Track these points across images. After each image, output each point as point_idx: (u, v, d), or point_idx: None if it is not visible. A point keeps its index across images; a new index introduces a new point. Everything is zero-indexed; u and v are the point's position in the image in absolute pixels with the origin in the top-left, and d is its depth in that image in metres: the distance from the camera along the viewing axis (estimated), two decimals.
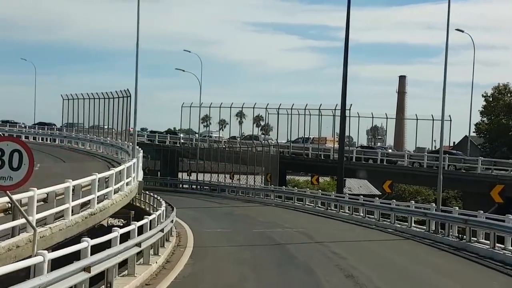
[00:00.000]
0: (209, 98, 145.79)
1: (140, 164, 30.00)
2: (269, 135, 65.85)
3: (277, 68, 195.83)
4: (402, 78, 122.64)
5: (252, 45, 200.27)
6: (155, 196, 31.82)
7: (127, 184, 22.81)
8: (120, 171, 21.17)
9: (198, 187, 57.80)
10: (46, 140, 57.26)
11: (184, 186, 60.27)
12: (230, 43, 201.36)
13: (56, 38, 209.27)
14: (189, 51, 66.00)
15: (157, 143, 67.37)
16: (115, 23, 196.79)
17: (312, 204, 38.81)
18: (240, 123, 76.52)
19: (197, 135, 65.75)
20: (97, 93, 49.10)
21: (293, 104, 55.93)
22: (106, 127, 46.89)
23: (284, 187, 45.39)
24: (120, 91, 41.92)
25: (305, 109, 54.67)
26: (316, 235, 24.78)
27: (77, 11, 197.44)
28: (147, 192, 34.68)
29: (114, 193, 19.54)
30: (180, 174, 63.94)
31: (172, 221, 20.74)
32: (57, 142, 56.21)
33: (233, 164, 55.66)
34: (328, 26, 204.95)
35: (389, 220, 29.05)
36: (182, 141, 65.79)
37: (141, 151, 33.79)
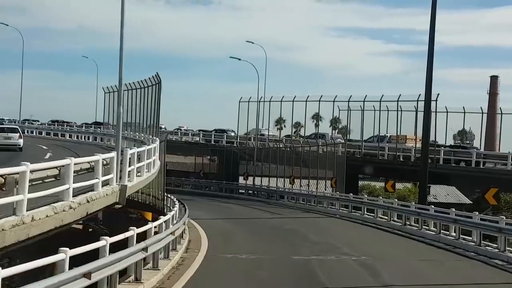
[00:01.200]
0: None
1: (148, 160, 22.02)
2: (339, 133, 56.99)
3: (361, 73, 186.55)
4: (493, 79, 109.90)
5: (336, 50, 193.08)
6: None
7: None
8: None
9: (255, 193, 49.94)
10: (85, 138, 51.35)
11: (240, 191, 52.61)
12: (313, 48, 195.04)
13: (143, 45, 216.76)
14: (252, 42, 58.86)
15: (213, 143, 60.11)
16: (198, 30, 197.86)
17: (386, 217, 29.99)
18: (298, 126, 67.54)
19: (253, 134, 57.75)
20: (133, 82, 42.11)
21: (366, 96, 47.00)
22: (138, 121, 39.65)
23: (351, 194, 36.61)
24: (149, 78, 34.55)
25: (380, 101, 45.45)
26: (386, 270, 16.21)
27: (162, 19, 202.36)
28: (169, 196, 31.28)
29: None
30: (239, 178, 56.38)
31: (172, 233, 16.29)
32: (96, 140, 49.91)
33: (293, 167, 47.36)
34: (413, 30, 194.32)
35: (496, 245, 20.01)
36: (239, 140, 58.06)
37: (157, 140, 26.28)
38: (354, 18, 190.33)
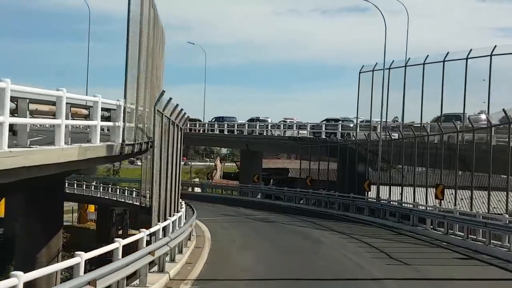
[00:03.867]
0: None
1: None
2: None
3: None
4: None
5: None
6: None
7: None
8: None
9: (382, 211, 31.68)
10: None
11: (358, 205, 34.58)
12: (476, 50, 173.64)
13: (296, 56, 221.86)
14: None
15: (323, 137, 42.41)
16: (354, 37, 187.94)
17: None
18: None
19: (375, 121, 38.26)
20: None
21: None
22: None
23: None
24: None
25: None
26: None
27: (318, 29, 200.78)
28: None
29: None
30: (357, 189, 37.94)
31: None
32: None
33: (442, 171, 28.25)
34: None
35: None
36: (359, 131, 39.59)
37: None
38: None
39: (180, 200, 27.20)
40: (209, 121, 59.69)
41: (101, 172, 70.07)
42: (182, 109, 21.71)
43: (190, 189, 55.04)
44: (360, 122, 41.09)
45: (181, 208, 23.64)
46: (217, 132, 56.13)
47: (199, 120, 61.81)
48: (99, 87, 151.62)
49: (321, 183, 42.61)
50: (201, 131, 58.75)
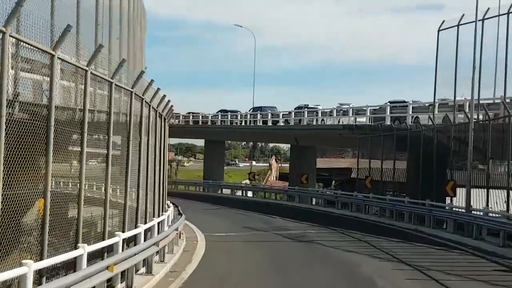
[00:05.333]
0: None
1: None
2: None
3: None
4: None
5: None
6: None
7: None
8: None
9: (476, 227, 21.08)
10: None
11: (437, 216, 24.17)
12: None
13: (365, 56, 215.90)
14: None
15: (388, 123, 31.89)
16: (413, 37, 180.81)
17: None
18: None
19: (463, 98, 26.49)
20: None
21: None
22: None
23: None
24: None
25: None
26: None
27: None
28: None
29: None
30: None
31: None
32: None
33: None
34: None
35: None
36: (437, 112, 28.31)
37: None
38: None
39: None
40: (246, 112, 50.25)
41: None
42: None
43: (239, 193, 45.87)
44: (429, 105, 30.01)
45: (163, 213, 19.64)
46: (260, 123, 46.51)
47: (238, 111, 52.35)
48: None
49: (386, 184, 32.29)
50: (242, 123, 49.31)
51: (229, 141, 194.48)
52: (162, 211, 20.46)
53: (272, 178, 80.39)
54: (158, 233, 16.16)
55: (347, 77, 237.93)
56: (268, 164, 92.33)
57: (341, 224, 26.87)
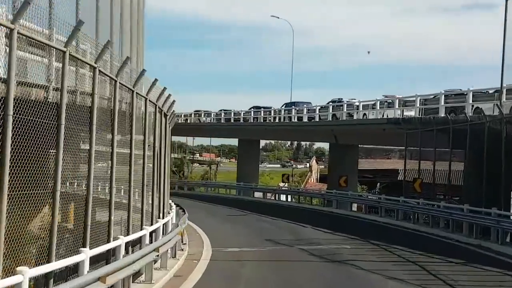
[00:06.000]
0: None
1: None
2: None
3: None
4: None
5: None
6: None
7: None
8: None
9: None
10: None
11: (506, 228, 19.21)
12: None
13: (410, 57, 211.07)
14: None
15: (442, 115, 26.78)
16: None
17: None
18: None
19: None
20: None
21: None
22: None
23: None
24: None
25: None
26: None
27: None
28: None
29: None
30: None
31: None
32: None
33: None
34: None
35: None
36: (505, 100, 22.91)
37: None
38: None
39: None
40: (279, 108, 45.72)
41: None
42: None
43: (275, 197, 41.57)
44: (494, 92, 24.71)
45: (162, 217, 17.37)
46: (295, 120, 41.91)
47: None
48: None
49: (437, 187, 27.36)
50: (276, 120, 44.80)
51: (272, 142, 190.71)
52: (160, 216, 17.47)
53: (312, 180, 75.65)
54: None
55: (389, 78, 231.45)
56: (308, 166, 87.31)
57: (384, 236, 22.15)
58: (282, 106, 45.55)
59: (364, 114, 34.29)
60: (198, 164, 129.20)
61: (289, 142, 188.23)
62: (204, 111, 57.03)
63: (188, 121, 58.10)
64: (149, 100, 15.10)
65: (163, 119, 18.67)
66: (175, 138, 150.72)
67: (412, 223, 25.85)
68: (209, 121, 54.80)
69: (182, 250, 17.33)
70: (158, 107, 16.92)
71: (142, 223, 14.10)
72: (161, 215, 17.95)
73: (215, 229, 24.28)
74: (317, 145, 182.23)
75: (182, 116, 59.03)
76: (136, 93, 13.32)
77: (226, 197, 45.29)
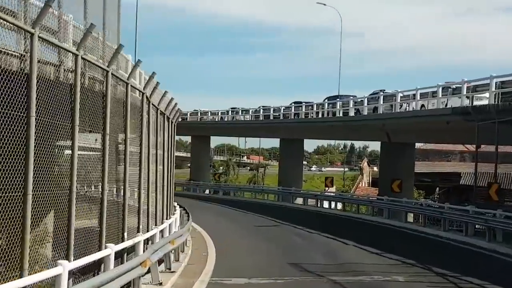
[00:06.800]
0: None
1: None
2: None
3: None
4: None
5: None
6: None
7: None
8: None
9: None
10: None
11: None
12: None
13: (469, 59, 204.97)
14: None
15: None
16: None
17: None
18: None
19: None
20: None
21: None
22: None
23: None
24: None
25: None
26: None
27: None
28: None
29: None
30: None
31: None
32: None
33: None
34: None
35: None
36: None
37: None
38: None
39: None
40: (321, 102, 40.03)
41: None
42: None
43: (317, 203, 36.23)
44: None
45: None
46: (339, 114, 36.19)
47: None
48: None
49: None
50: (319, 115, 39.17)
51: (325, 145, 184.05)
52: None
53: (363, 184, 69.43)
54: None
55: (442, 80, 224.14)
56: (359, 168, 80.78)
57: (453, 261, 16.44)
58: (325, 100, 39.88)
59: (422, 105, 28.36)
60: (245, 167, 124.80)
61: (342, 145, 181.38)
62: (241, 108, 51.78)
63: (226, 119, 53.16)
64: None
65: (159, 115, 15.91)
66: (222, 140, 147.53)
67: (487, 241, 19.90)
68: (248, 118, 49.55)
69: (171, 271, 12.68)
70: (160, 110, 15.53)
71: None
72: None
73: (230, 245, 19.22)
74: (372, 147, 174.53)
75: (219, 113, 54.13)
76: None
77: (262, 203, 40.08)
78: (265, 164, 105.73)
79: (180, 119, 60.08)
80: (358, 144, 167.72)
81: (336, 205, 34.15)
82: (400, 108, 29.87)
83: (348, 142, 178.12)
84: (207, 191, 49.18)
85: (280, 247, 19.10)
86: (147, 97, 13.20)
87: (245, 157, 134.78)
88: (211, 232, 22.39)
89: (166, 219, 16.90)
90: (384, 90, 33.13)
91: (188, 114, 56.72)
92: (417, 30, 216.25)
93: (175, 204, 22.81)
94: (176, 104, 18.65)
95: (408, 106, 29.26)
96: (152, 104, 14.13)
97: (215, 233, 21.98)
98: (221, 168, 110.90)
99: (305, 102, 41.87)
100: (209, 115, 54.81)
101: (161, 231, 14.54)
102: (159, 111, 15.50)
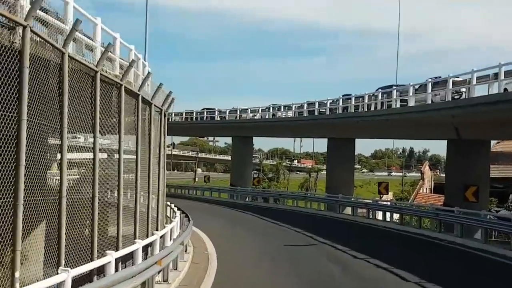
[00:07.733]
0: None
1: None
2: None
3: None
4: None
5: None
6: None
7: None
8: None
9: None
10: None
11: None
12: None
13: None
14: None
15: None
16: None
17: None
18: None
19: None
20: None
21: None
22: None
23: None
24: None
25: None
26: None
27: None
28: None
29: None
30: None
31: None
32: None
33: None
34: None
35: None
36: None
37: None
38: None
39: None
40: (373, 93, 33.43)
41: None
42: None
43: (368, 214, 29.88)
44: None
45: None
46: (396, 106, 29.62)
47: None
48: None
49: None
50: (372, 108, 32.64)
51: (382, 149, 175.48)
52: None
53: (424, 190, 62.09)
54: None
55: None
56: (419, 173, 73.18)
57: None
58: (377, 90, 33.30)
59: (505, 89, 21.61)
60: (301, 172, 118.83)
61: (400, 150, 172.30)
62: (284, 105, 45.56)
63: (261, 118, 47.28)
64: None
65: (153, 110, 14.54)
66: (275, 144, 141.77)
67: None
68: (290, 115, 43.42)
69: None
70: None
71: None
72: None
73: (236, 278, 13.32)
74: (432, 151, 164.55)
75: (260, 111, 48.27)
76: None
77: (303, 213, 33.98)
78: (318, 169, 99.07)
79: (218, 118, 55.71)
80: (417, 147, 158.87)
81: (391, 216, 27.56)
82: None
83: (407, 146, 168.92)
84: (247, 199, 43.40)
85: (305, 284, 13.01)
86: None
87: (296, 161, 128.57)
88: (220, 251, 16.99)
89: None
90: (440, 76, 26.49)
91: (227, 112, 51.16)
92: (481, 29, 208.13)
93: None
94: (173, 99, 17.17)
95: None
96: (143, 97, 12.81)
97: (226, 254, 16.47)
98: (270, 173, 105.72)
99: (355, 96, 35.46)
100: (249, 112, 48.91)
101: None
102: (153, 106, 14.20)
